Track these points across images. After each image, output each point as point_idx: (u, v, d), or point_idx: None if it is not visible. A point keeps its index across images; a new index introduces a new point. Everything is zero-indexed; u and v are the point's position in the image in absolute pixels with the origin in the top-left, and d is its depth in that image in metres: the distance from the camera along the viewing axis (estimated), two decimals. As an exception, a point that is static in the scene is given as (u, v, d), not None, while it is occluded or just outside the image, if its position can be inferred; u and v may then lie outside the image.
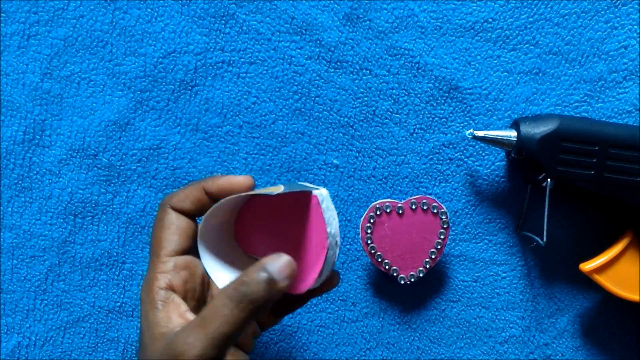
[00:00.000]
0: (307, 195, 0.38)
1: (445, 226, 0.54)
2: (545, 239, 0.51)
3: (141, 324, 0.38)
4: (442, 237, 0.54)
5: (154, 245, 0.40)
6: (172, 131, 0.56)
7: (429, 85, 0.56)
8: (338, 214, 0.57)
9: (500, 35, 0.55)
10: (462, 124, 0.56)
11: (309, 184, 0.40)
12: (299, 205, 0.39)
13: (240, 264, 0.43)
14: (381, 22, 0.55)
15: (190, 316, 0.37)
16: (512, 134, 0.51)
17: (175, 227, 0.39)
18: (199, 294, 0.41)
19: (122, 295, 0.57)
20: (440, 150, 0.56)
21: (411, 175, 0.56)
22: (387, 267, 0.54)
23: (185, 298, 0.39)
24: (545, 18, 0.55)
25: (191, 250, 0.41)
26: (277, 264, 0.36)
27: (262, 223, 0.42)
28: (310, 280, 0.39)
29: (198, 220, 0.43)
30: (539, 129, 0.49)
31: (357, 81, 0.56)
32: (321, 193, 0.39)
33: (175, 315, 0.37)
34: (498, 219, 0.56)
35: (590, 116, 0.55)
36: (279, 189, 0.37)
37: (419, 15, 0.55)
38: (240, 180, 0.40)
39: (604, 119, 0.55)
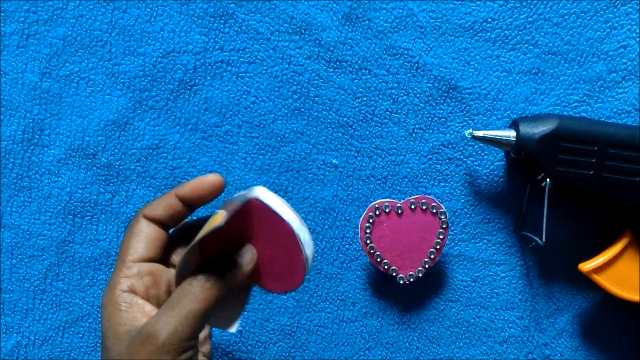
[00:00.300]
0: (248, 204, 0.38)
1: (444, 226, 0.54)
2: (544, 239, 0.51)
3: (103, 329, 0.37)
4: (441, 237, 0.54)
5: (121, 251, 0.40)
6: (171, 131, 0.56)
7: (428, 85, 0.56)
8: (337, 214, 0.57)
9: (500, 35, 0.55)
10: (461, 124, 0.56)
11: (242, 192, 0.39)
12: (250, 216, 0.39)
13: None
14: (380, 22, 0.55)
15: None
16: (512, 133, 0.51)
17: (144, 235, 0.40)
18: (162, 301, 0.40)
19: (121, 295, 0.57)
20: (440, 150, 0.56)
21: (410, 175, 0.56)
22: (386, 267, 0.54)
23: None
24: (544, 18, 0.55)
25: (159, 259, 0.41)
26: (244, 252, 0.39)
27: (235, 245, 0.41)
28: (299, 275, 0.40)
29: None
30: (538, 129, 0.49)
31: (356, 81, 0.56)
32: (256, 193, 0.38)
33: (140, 315, 0.37)
34: (497, 219, 0.56)
35: (590, 116, 0.55)
36: (221, 215, 0.37)
37: (418, 15, 0.55)
38: (209, 179, 0.39)
39: (603, 119, 0.55)
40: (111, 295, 0.38)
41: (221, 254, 0.39)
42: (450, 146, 0.56)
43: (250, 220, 0.39)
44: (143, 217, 0.40)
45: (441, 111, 0.56)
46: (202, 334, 0.47)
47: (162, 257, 0.41)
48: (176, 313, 0.35)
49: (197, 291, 0.36)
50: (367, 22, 0.55)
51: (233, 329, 0.41)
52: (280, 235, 0.38)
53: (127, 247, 0.39)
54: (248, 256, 0.39)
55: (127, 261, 0.39)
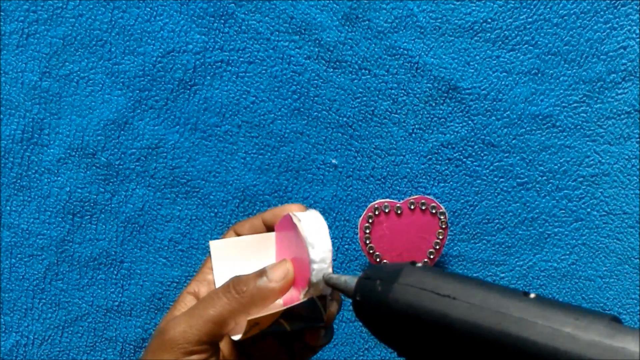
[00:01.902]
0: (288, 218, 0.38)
1: (443, 226, 0.54)
2: None
3: None
4: (440, 237, 0.54)
5: (206, 257, 0.42)
6: (171, 130, 0.56)
7: (428, 85, 0.56)
8: (337, 214, 0.57)
9: (500, 36, 0.55)
10: (461, 124, 0.56)
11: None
12: (290, 229, 0.38)
13: None
14: (380, 22, 0.55)
15: None
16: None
17: None
18: None
19: (120, 295, 0.57)
20: (439, 151, 0.56)
21: (410, 175, 0.56)
22: (385, 267, 0.54)
23: None
24: (544, 18, 0.55)
25: None
26: (276, 266, 0.37)
27: (285, 248, 0.41)
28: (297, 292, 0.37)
29: None
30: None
31: (356, 81, 0.56)
32: (299, 214, 0.37)
33: None
34: (496, 219, 0.56)
35: (589, 116, 0.55)
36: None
37: (418, 15, 0.55)
38: (292, 208, 0.40)
39: (602, 119, 0.55)
40: (181, 294, 0.40)
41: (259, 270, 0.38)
42: (450, 146, 0.56)
43: (284, 237, 0.38)
44: (233, 230, 0.42)
45: (441, 111, 0.56)
46: None
47: None
48: (190, 315, 0.36)
49: (216, 298, 0.36)
50: (367, 22, 0.55)
51: (235, 337, 0.37)
52: (304, 263, 0.36)
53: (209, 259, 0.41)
54: (279, 271, 0.37)
55: (205, 267, 0.41)
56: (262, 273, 0.37)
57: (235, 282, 0.36)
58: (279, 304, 0.38)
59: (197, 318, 0.35)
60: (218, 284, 0.39)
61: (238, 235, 0.41)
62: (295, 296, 0.38)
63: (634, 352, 0.24)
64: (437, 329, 0.28)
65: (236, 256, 0.40)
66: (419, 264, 0.31)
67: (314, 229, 0.36)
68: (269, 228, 0.41)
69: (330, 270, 0.36)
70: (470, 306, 0.27)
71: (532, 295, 0.27)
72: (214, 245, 0.39)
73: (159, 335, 0.36)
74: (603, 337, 0.24)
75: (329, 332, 0.40)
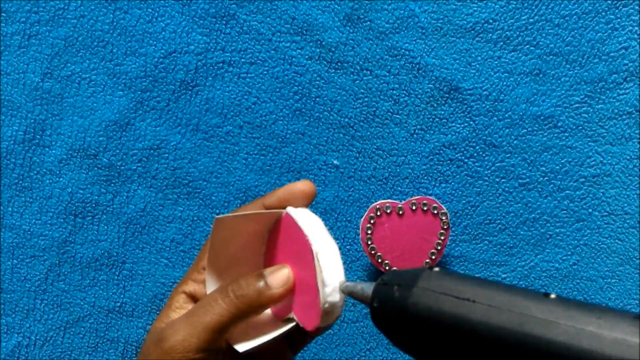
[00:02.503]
0: (284, 216, 0.35)
1: (445, 227, 0.54)
2: None
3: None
4: (442, 237, 0.54)
5: (200, 253, 0.40)
6: (173, 131, 0.56)
7: (430, 86, 0.56)
8: (338, 214, 0.57)
9: (501, 36, 0.55)
10: (462, 125, 0.56)
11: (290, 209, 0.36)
12: (300, 245, 0.36)
13: None
14: (382, 23, 0.55)
15: None
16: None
17: None
18: None
19: (122, 295, 0.57)
20: (441, 151, 0.56)
21: (411, 176, 0.56)
22: (387, 268, 0.54)
23: None
24: (545, 19, 0.55)
25: None
26: (275, 271, 0.36)
27: (284, 252, 0.39)
28: (314, 316, 0.35)
29: None
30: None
31: (357, 82, 0.56)
32: (314, 239, 0.34)
33: None
34: (498, 220, 0.56)
35: (591, 117, 0.55)
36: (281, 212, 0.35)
37: (420, 16, 0.55)
38: (299, 186, 0.37)
39: (604, 120, 0.55)
40: (174, 292, 0.38)
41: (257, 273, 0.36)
42: (451, 147, 0.56)
43: (287, 241, 0.36)
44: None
45: (442, 112, 0.56)
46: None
47: None
48: (189, 322, 0.35)
49: (214, 305, 0.35)
50: (368, 23, 0.55)
51: (240, 348, 0.36)
52: (304, 258, 0.35)
53: (204, 251, 0.39)
54: (279, 278, 0.35)
55: (197, 265, 0.39)
56: (260, 276, 0.35)
57: (234, 287, 0.35)
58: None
59: (196, 325, 0.34)
60: (210, 264, 0.37)
61: None
62: (287, 307, 0.37)
63: None
64: (458, 332, 0.27)
65: (235, 234, 0.38)
66: (436, 269, 0.31)
67: (330, 262, 0.34)
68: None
69: (339, 311, 0.34)
70: (491, 308, 0.27)
71: (553, 296, 0.27)
72: (219, 220, 0.36)
73: (158, 343, 0.35)
74: (628, 335, 0.24)
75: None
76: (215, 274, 0.37)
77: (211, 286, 0.38)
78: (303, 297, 0.36)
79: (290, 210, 0.36)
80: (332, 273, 0.34)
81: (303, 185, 0.36)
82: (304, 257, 0.35)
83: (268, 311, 0.39)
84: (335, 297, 0.34)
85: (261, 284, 0.35)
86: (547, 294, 0.27)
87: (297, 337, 0.40)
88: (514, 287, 0.28)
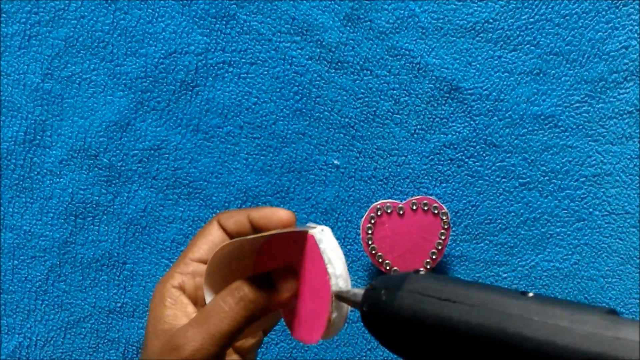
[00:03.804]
0: (305, 237, 0.36)
1: (446, 227, 0.54)
2: None
3: (146, 324, 0.38)
4: (442, 237, 0.54)
5: (186, 247, 0.41)
6: (173, 132, 0.56)
7: (430, 85, 0.56)
8: (339, 214, 0.57)
9: (501, 36, 0.55)
10: (463, 125, 0.56)
11: (312, 224, 0.38)
12: (300, 246, 0.38)
13: None
14: (382, 23, 0.55)
15: None
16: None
17: (211, 238, 0.40)
18: None
19: (122, 296, 0.57)
20: (441, 151, 0.56)
21: (412, 176, 0.56)
22: (387, 268, 0.54)
23: (195, 304, 0.39)
24: (546, 18, 0.55)
25: None
26: (283, 275, 0.37)
27: (277, 264, 0.40)
28: (318, 329, 0.36)
29: None
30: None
31: (357, 82, 0.56)
32: (320, 231, 0.36)
33: (181, 313, 0.37)
34: (499, 220, 0.56)
35: (591, 116, 0.55)
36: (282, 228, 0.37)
37: (420, 15, 0.55)
38: (280, 215, 0.38)
39: (604, 119, 0.55)
40: (161, 287, 0.38)
41: (262, 275, 0.37)
42: (452, 147, 0.56)
43: (301, 256, 0.37)
44: (217, 222, 0.40)
45: (443, 112, 0.56)
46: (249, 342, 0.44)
47: None
48: (205, 330, 0.35)
49: (228, 310, 0.35)
50: (368, 22, 0.55)
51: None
52: (319, 284, 0.36)
53: (192, 244, 0.39)
54: (288, 284, 0.37)
55: (187, 258, 0.39)
56: (268, 281, 0.36)
57: (247, 291, 0.35)
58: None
59: (213, 333, 0.34)
60: (208, 279, 0.38)
61: (222, 226, 0.40)
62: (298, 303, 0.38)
63: (633, 341, 0.24)
64: (441, 332, 0.29)
65: (233, 255, 0.39)
66: (422, 271, 0.32)
67: (339, 264, 0.35)
68: (254, 226, 0.39)
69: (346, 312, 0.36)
70: (471, 308, 0.28)
71: (531, 295, 0.27)
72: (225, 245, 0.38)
73: (175, 351, 0.35)
74: (600, 329, 0.24)
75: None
76: (214, 288, 0.38)
77: (209, 295, 0.38)
78: (305, 308, 0.37)
79: (312, 232, 0.37)
80: (336, 254, 0.35)
81: (285, 216, 0.38)
82: (311, 262, 0.36)
83: None
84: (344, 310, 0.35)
85: (270, 288, 0.36)
86: (525, 292, 0.28)
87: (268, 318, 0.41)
88: (494, 287, 0.29)
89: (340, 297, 0.35)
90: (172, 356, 0.35)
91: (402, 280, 0.31)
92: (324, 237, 0.36)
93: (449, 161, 0.56)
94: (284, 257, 0.38)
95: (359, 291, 0.34)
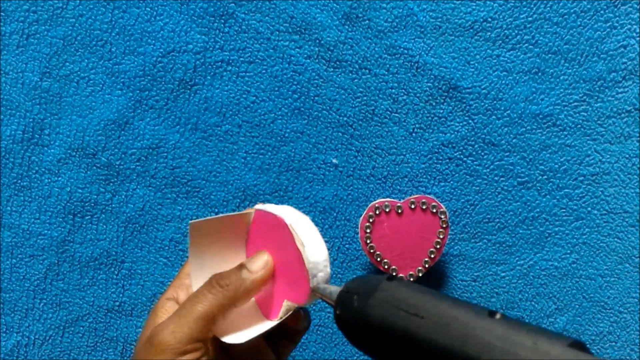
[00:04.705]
0: (279, 221, 0.38)
1: (444, 225, 0.54)
2: None
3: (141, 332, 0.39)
4: (441, 236, 0.54)
5: (181, 267, 0.42)
6: (172, 130, 0.56)
7: (428, 84, 0.56)
8: (337, 213, 0.57)
9: (500, 35, 0.55)
10: (461, 124, 0.56)
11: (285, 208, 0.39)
12: (276, 228, 0.39)
13: None
14: (380, 22, 0.55)
15: None
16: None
17: None
18: None
19: (121, 295, 0.57)
20: (440, 150, 0.56)
21: (410, 175, 0.56)
22: (386, 267, 0.54)
23: None
24: (544, 17, 0.55)
25: None
26: (254, 257, 0.38)
27: (264, 244, 0.41)
28: (301, 297, 0.38)
29: None
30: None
31: (356, 80, 0.56)
32: (287, 216, 0.38)
33: None
34: (497, 219, 0.56)
35: (589, 115, 0.55)
36: (250, 211, 0.39)
37: (418, 14, 0.55)
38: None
39: (603, 118, 0.55)
40: (158, 301, 0.39)
41: (239, 266, 0.38)
42: (450, 146, 0.56)
43: (279, 241, 0.38)
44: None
45: (441, 111, 0.56)
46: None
47: None
48: (177, 314, 0.36)
49: (202, 296, 0.36)
50: (367, 21, 0.55)
51: (228, 340, 0.37)
52: (283, 240, 0.37)
53: (187, 261, 0.41)
54: (259, 262, 0.38)
55: (182, 272, 0.41)
56: (241, 266, 0.37)
57: (217, 278, 0.37)
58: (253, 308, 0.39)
59: (185, 317, 0.35)
60: (194, 266, 0.39)
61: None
62: (268, 291, 0.38)
63: None
64: (407, 345, 0.29)
65: (214, 236, 0.40)
66: (398, 277, 0.33)
67: (310, 237, 0.37)
68: None
69: (327, 277, 0.37)
70: (437, 326, 0.28)
71: (498, 316, 0.28)
72: (194, 225, 0.39)
73: (148, 341, 0.35)
74: None
75: (307, 315, 0.41)
76: (201, 278, 0.39)
77: (197, 287, 0.39)
78: (289, 277, 0.37)
79: (259, 206, 0.39)
80: (309, 235, 0.36)
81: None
82: (281, 237, 0.37)
83: (258, 311, 0.40)
84: (320, 255, 0.36)
85: (243, 270, 0.37)
86: (494, 312, 0.28)
87: (282, 344, 0.41)
88: (464, 304, 0.29)
89: (318, 294, 0.36)
90: (148, 346, 0.35)
91: (374, 287, 0.32)
92: (296, 220, 0.37)
93: (447, 160, 0.56)
94: (268, 245, 0.39)
95: (336, 290, 0.34)
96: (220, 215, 0.39)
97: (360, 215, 0.55)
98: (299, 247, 0.36)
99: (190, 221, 0.38)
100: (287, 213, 0.38)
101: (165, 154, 0.56)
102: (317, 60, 0.56)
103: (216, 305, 0.36)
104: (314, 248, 0.36)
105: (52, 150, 0.56)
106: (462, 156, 0.56)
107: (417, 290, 0.31)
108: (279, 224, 0.37)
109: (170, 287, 0.40)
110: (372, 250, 0.54)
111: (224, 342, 0.37)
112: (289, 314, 0.37)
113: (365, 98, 0.56)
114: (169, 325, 0.35)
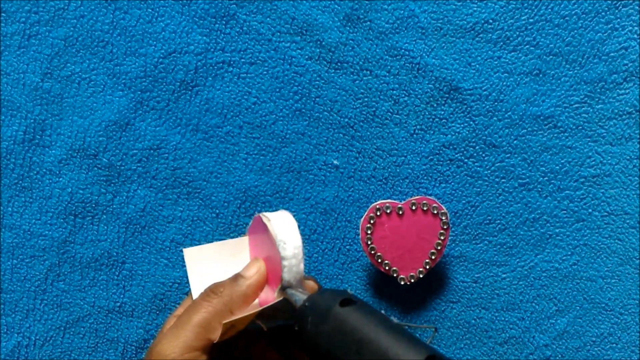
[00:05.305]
0: (260, 221, 0.39)
1: (445, 227, 0.54)
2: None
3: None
4: (442, 237, 0.54)
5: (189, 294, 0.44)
6: (173, 131, 0.56)
7: (430, 86, 0.56)
8: (338, 214, 0.57)
9: (501, 36, 0.55)
10: (462, 125, 0.56)
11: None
12: (263, 228, 0.40)
13: None
14: (382, 23, 0.55)
15: None
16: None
17: None
18: None
19: (122, 296, 0.57)
20: (441, 151, 0.56)
21: (411, 176, 0.56)
22: (387, 268, 0.54)
23: None
24: (545, 19, 0.55)
25: None
26: (248, 265, 0.39)
27: (259, 250, 0.42)
28: (278, 271, 0.39)
29: None
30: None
31: (357, 82, 0.56)
32: (269, 214, 0.39)
33: None
34: (498, 220, 0.56)
35: (590, 117, 0.55)
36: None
37: (420, 16, 0.55)
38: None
39: (604, 120, 0.55)
40: (167, 320, 0.41)
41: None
42: (451, 147, 0.56)
43: (258, 238, 0.39)
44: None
45: (442, 112, 0.56)
46: None
47: None
48: (175, 325, 0.36)
49: (197, 305, 0.37)
50: (368, 23, 0.55)
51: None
52: (269, 239, 0.38)
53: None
54: (252, 268, 0.39)
55: (191, 293, 0.42)
56: (237, 275, 0.38)
57: (213, 287, 0.37)
58: (256, 305, 0.39)
59: (181, 327, 0.36)
60: (194, 291, 0.40)
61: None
62: (271, 297, 0.39)
63: None
64: None
65: (211, 262, 0.41)
66: (353, 302, 0.35)
67: (283, 227, 0.38)
68: None
69: (301, 266, 0.38)
70: None
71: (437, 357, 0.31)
72: (188, 252, 0.40)
73: (149, 352, 0.36)
74: None
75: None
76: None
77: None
78: (276, 276, 0.38)
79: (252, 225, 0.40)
80: (284, 228, 0.38)
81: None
82: (268, 237, 0.38)
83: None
84: (296, 259, 0.38)
85: (237, 276, 0.38)
86: (433, 356, 0.31)
87: (295, 355, 0.41)
88: (409, 342, 0.32)
89: (286, 296, 0.37)
90: (147, 356, 0.36)
91: (327, 312, 0.34)
92: (274, 217, 0.38)
93: (448, 161, 0.56)
94: (264, 250, 0.39)
95: (301, 298, 0.36)
96: (216, 243, 0.40)
97: (361, 217, 0.55)
98: (274, 241, 0.37)
99: (183, 249, 0.39)
100: (272, 213, 0.39)
101: (166, 155, 0.56)
102: (318, 62, 0.56)
103: (211, 312, 0.36)
104: (286, 240, 0.38)
105: (53, 151, 0.56)
106: (463, 157, 0.56)
107: (366, 320, 0.34)
108: (263, 223, 0.38)
109: (180, 306, 0.41)
110: (373, 252, 0.54)
111: (229, 350, 0.37)
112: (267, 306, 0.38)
113: (366, 99, 0.56)
114: (166, 335, 0.35)
